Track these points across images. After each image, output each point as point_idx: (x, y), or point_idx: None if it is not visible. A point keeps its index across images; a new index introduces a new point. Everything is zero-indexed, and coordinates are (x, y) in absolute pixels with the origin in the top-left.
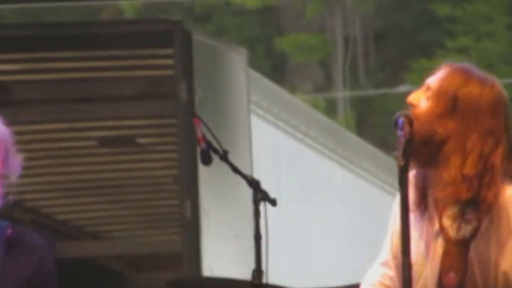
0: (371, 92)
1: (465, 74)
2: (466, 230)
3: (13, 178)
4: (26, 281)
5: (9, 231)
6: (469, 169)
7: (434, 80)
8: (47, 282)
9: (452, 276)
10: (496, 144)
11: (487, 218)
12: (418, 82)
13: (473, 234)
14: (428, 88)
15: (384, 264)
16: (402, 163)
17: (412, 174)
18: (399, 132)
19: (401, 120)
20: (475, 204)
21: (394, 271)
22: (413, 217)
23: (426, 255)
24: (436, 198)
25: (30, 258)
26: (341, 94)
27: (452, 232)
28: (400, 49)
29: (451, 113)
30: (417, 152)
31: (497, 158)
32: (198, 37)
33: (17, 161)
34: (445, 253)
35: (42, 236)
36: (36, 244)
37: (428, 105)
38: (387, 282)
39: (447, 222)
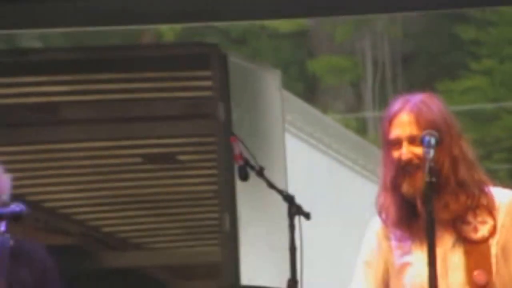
0: None
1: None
2: (484, 230)
3: (4, 197)
4: None
5: (11, 243)
6: (460, 178)
7: (411, 130)
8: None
9: (479, 273)
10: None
11: (500, 217)
12: (444, 102)
13: (491, 232)
14: (412, 138)
15: None
16: (428, 179)
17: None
18: (426, 150)
19: (427, 138)
20: (480, 207)
21: None
22: (400, 244)
23: (444, 267)
24: (439, 217)
25: (32, 267)
26: (371, 113)
27: (472, 235)
28: (426, 71)
29: (439, 143)
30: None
31: (473, 159)
32: (234, 59)
33: (4, 181)
34: (468, 255)
35: (43, 247)
36: (38, 254)
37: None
38: None
39: (463, 228)
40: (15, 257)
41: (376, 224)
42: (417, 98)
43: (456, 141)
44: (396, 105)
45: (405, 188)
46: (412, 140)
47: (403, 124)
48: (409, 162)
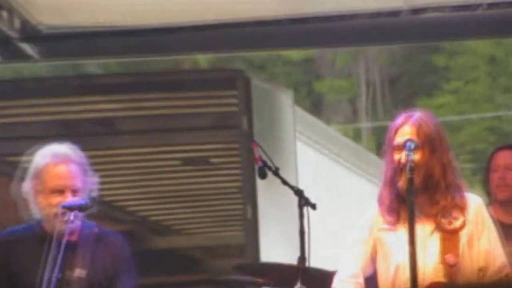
0: (387, 123)
1: (424, 121)
2: (457, 223)
3: (93, 193)
4: (110, 267)
5: (96, 229)
6: (452, 182)
7: (412, 139)
8: (126, 268)
9: (450, 256)
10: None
11: (469, 216)
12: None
13: (461, 226)
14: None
15: (354, 276)
16: (409, 176)
17: (388, 200)
18: (407, 153)
19: (408, 144)
20: (456, 206)
21: (362, 280)
22: (390, 230)
23: (423, 249)
24: (424, 210)
25: (111, 250)
26: (365, 124)
27: (447, 226)
28: (408, 91)
29: (436, 152)
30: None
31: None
32: (256, 82)
33: (93, 179)
34: (442, 241)
35: (123, 237)
36: (116, 240)
37: (420, 157)
38: None
39: (441, 220)
40: (99, 243)
41: (370, 213)
42: (418, 114)
43: (446, 152)
44: (401, 118)
45: (401, 184)
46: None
47: (406, 134)
48: (406, 164)
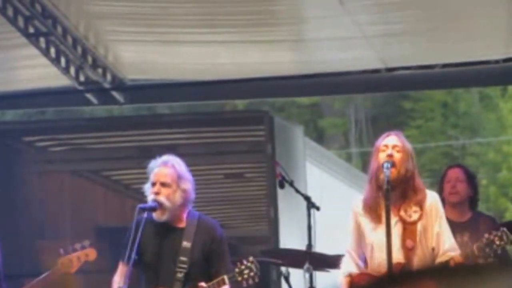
0: (370, 149)
1: (403, 137)
2: (415, 216)
3: (185, 194)
4: (207, 244)
5: (197, 217)
6: (417, 184)
7: (396, 142)
8: (219, 249)
9: (409, 242)
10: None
11: (425, 210)
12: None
13: (419, 219)
14: (395, 146)
15: (350, 251)
16: (386, 187)
17: (370, 194)
18: (385, 171)
19: (386, 164)
20: (417, 202)
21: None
22: (368, 219)
23: (388, 235)
24: (396, 203)
25: (208, 231)
26: (354, 150)
27: (407, 218)
28: (385, 127)
29: (410, 157)
30: (396, 183)
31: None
32: (277, 120)
33: (187, 185)
34: (404, 230)
35: (216, 221)
36: (212, 225)
37: (400, 156)
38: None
39: (404, 214)
40: (199, 226)
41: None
42: (397, 131)
43: (414, 161)
44: (385, 134)
45: (381, 177)
46: (392, 146)
47: (390, 140)
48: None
